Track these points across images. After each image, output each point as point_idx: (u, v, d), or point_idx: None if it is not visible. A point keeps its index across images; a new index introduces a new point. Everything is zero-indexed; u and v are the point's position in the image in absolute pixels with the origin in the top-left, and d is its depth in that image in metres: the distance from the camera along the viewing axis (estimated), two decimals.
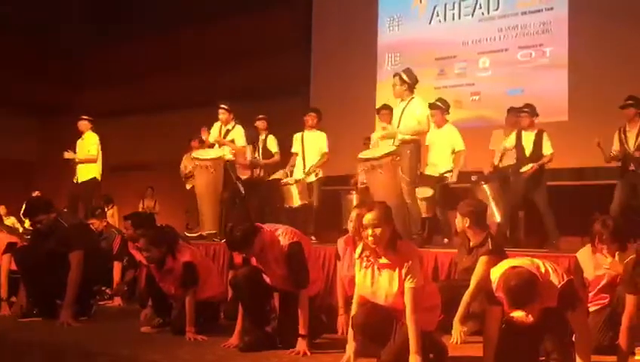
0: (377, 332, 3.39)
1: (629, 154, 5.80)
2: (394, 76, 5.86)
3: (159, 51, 12.31)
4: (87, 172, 7.70)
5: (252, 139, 7.67)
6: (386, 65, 9.38)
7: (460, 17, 8.84)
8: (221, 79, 11.15)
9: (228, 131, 7.24)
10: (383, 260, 3.29)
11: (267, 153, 7.70)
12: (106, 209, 10.12)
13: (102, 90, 12.99)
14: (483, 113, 8.01)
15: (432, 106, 6.32)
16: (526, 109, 6.32)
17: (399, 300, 3.25)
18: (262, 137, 7.77)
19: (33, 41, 12.62)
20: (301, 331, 3.72)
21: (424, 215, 6.03)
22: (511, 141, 6.39)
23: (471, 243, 4.31)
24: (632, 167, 5.77)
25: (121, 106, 12.82)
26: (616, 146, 6.01)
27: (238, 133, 7.24)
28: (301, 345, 3.69)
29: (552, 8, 8.06)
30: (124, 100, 12.84)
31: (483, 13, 8.62)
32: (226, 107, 7.26)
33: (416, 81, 5.80)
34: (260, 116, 7.83)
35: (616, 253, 3.69)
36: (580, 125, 6.86)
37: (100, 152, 7.89)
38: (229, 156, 7.14)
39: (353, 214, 4.24)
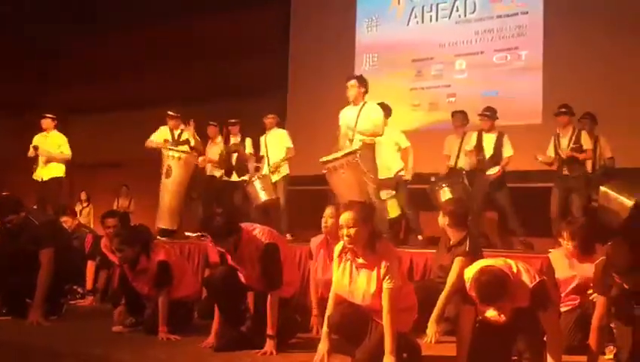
0: (353, 331, 3.39)
1: (563, 158, 6.12)
2: (349, 79, 5.86)
3: (136, 48, 12.15)
4: (54, 170, 7.56)
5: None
6: (363, 66, 9.39)
7: (437, 19, 8.90)
8: (197, 77, 11.06)
9: (180, 134, 7.42)
10: (362, 260, 3.30)
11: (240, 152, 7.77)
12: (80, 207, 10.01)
13: (76, 87, 12.78)
14: None
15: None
16: (487, 112, 6.52)
17: (376, 300, 3.25)
18: (236, 140, 7.75)
19: (4, 38, 12.37)
20: (269, 331, 3.70)
21: (392, 216, 6.05)
22: (471, 143, 6.52)
23: (451, 242, 4.34)
24: (565, 171, 6.10)
25: (97, 103, 12.64)
26: (550, 152, 6.30)
27: (190, 135, 7.40)
28: (269, 345, 3.68)
29: (527, 12, 8.16)
30: (100, 97, 12.65)
31: (460, 16, 8.69)
32: (174, 114, 7.47)
33: (368, 86, 5.86)
34: (232, 120, 7.83)
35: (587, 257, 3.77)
36: (553, 128, 6.91)
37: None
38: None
39: (328, 212, 4.25)
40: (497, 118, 6.54)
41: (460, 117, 7.05)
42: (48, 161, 7.54)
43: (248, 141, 7.76)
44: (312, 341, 3.89)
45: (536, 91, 7.92)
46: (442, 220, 4.36)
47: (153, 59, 11.78)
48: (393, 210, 6.15)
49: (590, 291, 3.65)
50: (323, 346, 3.39)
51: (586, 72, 7.43)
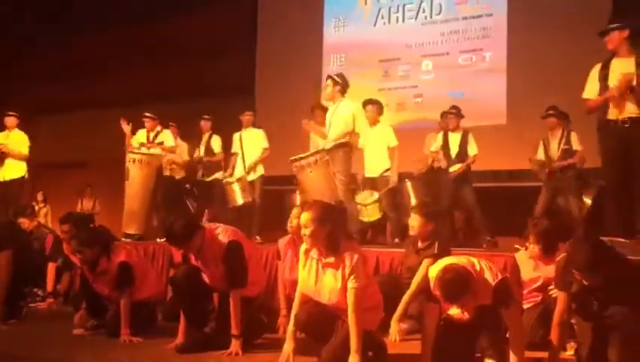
0: (319, 329, 3.39)
1: (553, 161, 6.15)
2: (326, 79, 5.88)
3: (102, 48, 11.95)
4: (16, 170, 7.37)
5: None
6: (331, 66, 9.40)
7: (403, 20, 8.95)
8: (165, 77, 10.93)
9: (156, 135, 7.29)
10: (327, 259, 3.30)
11: (210, 153, 7.68)
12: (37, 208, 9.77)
13: (42, 87, 12.51)
14: (425, 115, 8.13)
15: (365, 103, 6.37)
16: (453, 110, 6.57)
17: (342, 299, 3.26)
18: (205, 137, 7.69)
19: None
20: (233, 331, 3.68)
21: (372, 218, 6.00)
22: (438, 143, 6.60)
23: (419, 245, 4.35)
24: (556, 173, 6.11)
25: (63, 103, 12.40)
26: (540, 155, 6.34)
27: (166, 135, 7.31)
28: (234, 345, 3.66)
29: (491, 14, 8.27)
30: (66, 97, 12.42)
31: (426, 17, 8.76)
32: (150, 115, 7.35)
33: (348, 85, 5.86)
34: (206, 116, 7.76)
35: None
36: (517, 128, 7.06)
37: None
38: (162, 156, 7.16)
39: (294, 212, 4.24)
40: (463, 117, 6.59)
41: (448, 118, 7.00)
42: (5, 159, 7.34)
43: (216, 138, 7.65)
44: (278, 341, 3.86)
45: (501, 92, 8.03)
46: (413, 221, 4.36)
47: (120, 58, 11.61)
48: (374, 213, 6.01)
49: (551, 287, 3.69)
50: (288, 346, 3.38)
51: (548, 74, 7.56)
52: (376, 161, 6.34)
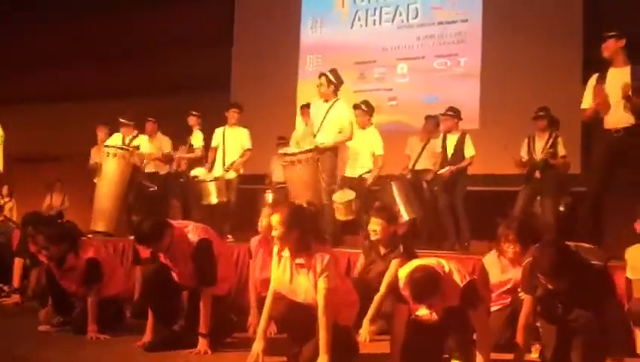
0: (295, 326, 3.41)
1: (536, 162, 6.07)
2: (320, 76, 5.82)
3: (74, 39, 11.75)
4: None
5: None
6: (307, 66, 9.41)
7: (380, 23, 8.99)
8: (139, 70, 10.79)
9: (132, 140, 7.21)
10: (299, 260, 3.31)
11: (190, 148, 7.63)
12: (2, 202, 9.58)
13: (10, 77, 12.26)
14: (399, 118, 8.19)
15: (356, 107, 6.35)
16: (450, 112, 6.50)
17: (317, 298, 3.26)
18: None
19: None
20: (202, 330, 3.66)
21: (346, 218, 5.98)
22: (438, 145, 6.55)
23: (382, 251, 4.36)
24: (537, 175, 6.02)
25: (32, 94, 12.16)
26: (523, 154, 6.27)
27: (142, 140, 7.25)
28: (202, 344, 3.64)
29: (467, 20, 8.36)
30: (35, 88, 12.19)
31: (402, 21, 8.82)
32: (126, 121, 7.23)
33: (342, 83, 5.83)
34: (194, 113, 7.69)
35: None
36: (489, 133, 7.14)
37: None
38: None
39: (264, 212, 4.24)
40: (461, 119, 6.53)
41: (433, 122, 6.97)
42: None
43: (198, 133, 7.54)
44: (247, 340, 3.84)
45: (474, 97, 8.11)
46: (374, 223, 4.32)
47: (94, 50, 11.44)
48: (349, 213, 5.93)
49: (519, 290, 3.74)
50: (258, 345, 3.37)
51: (521, 80, 7.67)
52: (358, 163, 6.32)
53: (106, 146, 6.81)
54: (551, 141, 6.05)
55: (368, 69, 8.99)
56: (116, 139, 7.24)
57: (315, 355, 3.19)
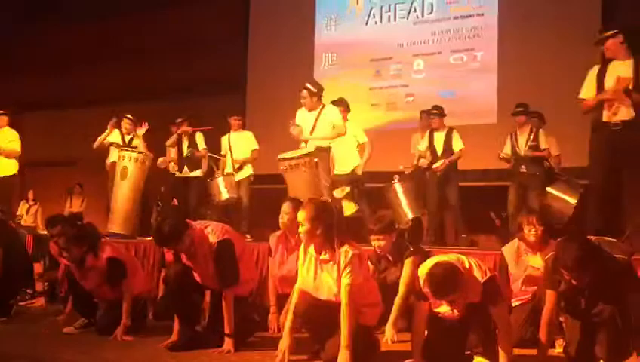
0: (318, 323, 3.41)
1: (520, 156, 6.25)
2: (301, 91, 5.89)
3: (91, 42, 11.87)
4: (8, 168, 7.32)
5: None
6: (322, 65, 9.41)
7: (395, 19, 8.96)
8: (155, 74, 10.86)
9: (131, 139, 7.35)
10: (324, 256, 3.32)
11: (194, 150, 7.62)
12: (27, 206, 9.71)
13: (30, 81, 12.42)
14: (416, 115, 8.11)
15: (336, 104, 6.35)
16: (435, 111, 6.65)
17: (340, 295, 3.26)
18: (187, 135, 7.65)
19: None
20: (226, 330, 3.68)
21: (348, 213, 5.99)
22: (424, 143, 6.69)
23: (390, 258, 4.29)
24: (522, 169, 6.22)
25: (51, 99, 12.30)
26: (507, 150, 6.43)
27: (139, 140, 7.36)
28: (227, 344, 3.67)
29: (482, 14, 8.29)
30: (54, 92, 12.33)
31: (418, 17, 8.77)
32: (131, 118, 7.38)
33: (323, 90, 5.90)
34: (178, 120, 7.64)
35: (539, 252, 3.85)
36: (508, 127, 7.05)
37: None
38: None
39: (284, 208, 4.25)
40: (445, 115, 6.66)
41: (426, 116, 7.07)
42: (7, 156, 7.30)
43: (200, 135, 7.58)
44: (269, 340, 3.88)
45: (491, 92, 8.05)
46: (377, 240, 4.21)
47: (109, 55, 11.54)
48: (349, 208, 6.09)
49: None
50: (284, 342, 3.37)
51: (538, 74, 7.59)
52: (346, 158, 6.40)
53: (125, 150, 6.87)
54: (532, 135, 6.27)
55: (384, 66, 8.96)
56: (115, 136, 7.33)
57: (337, 352, 3.20)
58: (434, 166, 6.48)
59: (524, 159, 6.24)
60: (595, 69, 4.69)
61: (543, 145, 6.27)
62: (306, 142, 5.82)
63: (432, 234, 6.40)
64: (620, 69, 4.52)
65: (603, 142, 4.60)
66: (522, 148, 6.30)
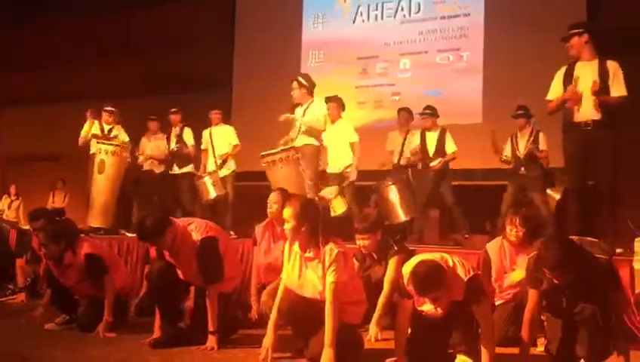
0: (301, 321, 3.41)
1: (520, 158, 6.26)
2: (292, 82, 5.91)
3: (75, 38, 11.75)
4: None
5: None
6: (309, 62, 9.40)
7: (382, 18, 8.98)
8: (140, 70, 10.78)
9: (110, 130, 7.31)
10: (309, 254, 3.32)
11: (183, 145, 7.60)
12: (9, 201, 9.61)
13: (13, 76, 12.26)
14: None
15: (327, 100, 6.39)
16: (428, 111, 6.65)
17: (324, 293, 3.26)
18: (175, 130, 7.62)
19: None
20: (210, 327, 3.67)
21: (338, 212, 5.99)
22: (415, 141, 6.68)
23: (374, 256, 4.31)
24: (522, 171, 6.22)
25: (33, 94, 12.18)
26: (507, 152, 6.45)
27: (120, 130, 7.35)
28: (211, 341, 3.66)
29: (469, 14, 8.34)
30: (36, 87, 12.20)
31: (405, 16, 8.80)
32: (111, 109, 7.35)
33: (314, 85, 5.89)
34: (173, 110, 7.69)
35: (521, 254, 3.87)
36: (492, 127, 7.09)
37: None
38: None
39: (272, 197, 4.25)
40: (438, 116, 6.65)
41: (405, 114, 7.13)
42: None
43: (188, 131, 7.58)
44: (253, 337, 3.86)
45: (477, 92, 8.10)
46: (362, 239, 4.22)
47: (92, 50, 11.43)
48: (339, 207, 6.06)
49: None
50: (268, 339, 3.37)
51: (524, 74, 7.64)
52: (338, 157, 6.41)
53: (102, 143, 6.83)
54: (532, 137, 6.27)
55: (371, 64, 8.98)
56: (95, 127, 7.28)
57: (321, 349, 3.20)
58: (432, 164, 6.45)
59: (524, 161, 6.23)
60: (562, 70, 4.73)
61: (542, 147, 6.23)
62: (294, 139, 5.82)
63: (416, 232, 6.42)
64: (587, 69, 4.55)
65: (575, 143, 4.62)
66: (522, 150, 6.29)
